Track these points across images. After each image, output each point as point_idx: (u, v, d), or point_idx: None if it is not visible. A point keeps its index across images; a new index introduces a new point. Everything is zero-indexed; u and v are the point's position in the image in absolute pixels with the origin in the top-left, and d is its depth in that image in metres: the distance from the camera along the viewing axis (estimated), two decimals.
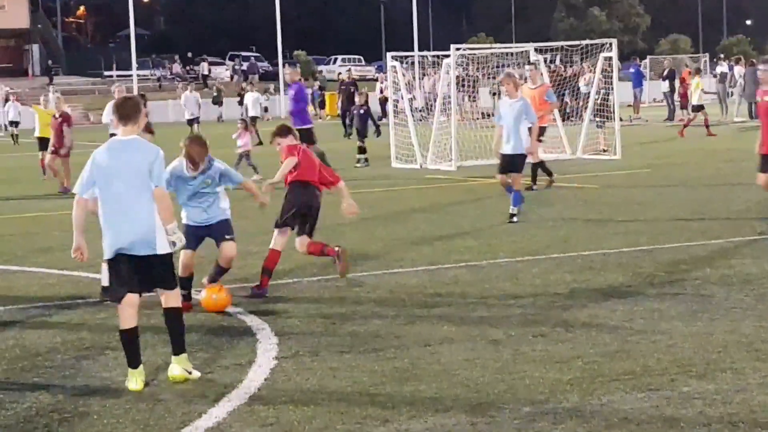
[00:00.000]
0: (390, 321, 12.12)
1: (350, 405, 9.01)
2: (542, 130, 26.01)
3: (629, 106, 55.32)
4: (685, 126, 42.20)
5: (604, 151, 34.14)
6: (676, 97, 54.27)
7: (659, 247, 16.30)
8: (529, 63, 33.04)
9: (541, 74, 31.92)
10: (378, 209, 22.88)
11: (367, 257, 16.42)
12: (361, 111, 36.44)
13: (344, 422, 8.53)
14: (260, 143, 39.45)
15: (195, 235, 13.14)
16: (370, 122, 37.15)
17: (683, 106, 52.50)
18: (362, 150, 34.54)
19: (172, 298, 10.10)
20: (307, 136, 26.90)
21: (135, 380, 9.68)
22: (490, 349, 10.72)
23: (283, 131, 14.39)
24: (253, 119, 45.40)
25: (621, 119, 38.05)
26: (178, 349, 10.02)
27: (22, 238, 20.26)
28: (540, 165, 25.16)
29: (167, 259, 9.98)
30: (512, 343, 10.90)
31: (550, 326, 11.53)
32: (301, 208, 13.99)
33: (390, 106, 37.86)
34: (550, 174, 25.24)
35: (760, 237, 16.70)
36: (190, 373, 9.87)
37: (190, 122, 46.95)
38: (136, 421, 8.85)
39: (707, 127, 41.29)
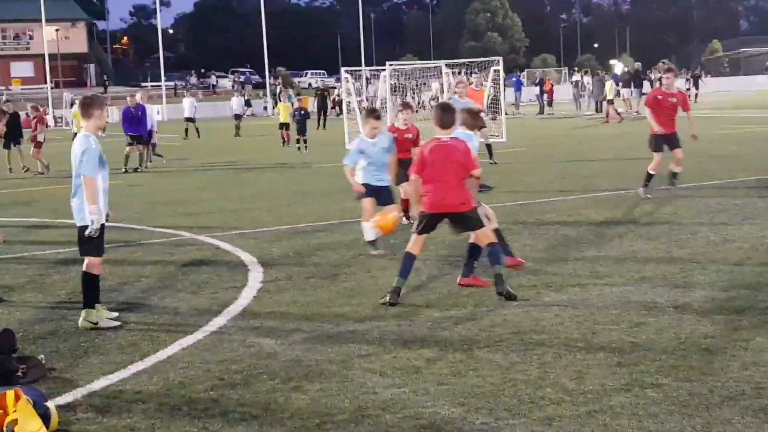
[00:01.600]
0: (343, 255, 12.09)
1: (313, 314, 8.98)
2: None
3: (512, 104, 55.53)
4: (607, 115, 41.94)
5: (495, 135, 34.18)
6: (545, 97, 55.91)
7: (531, 202, 16.36)
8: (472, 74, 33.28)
9: (483, 81, 32.21)
10: (334, 182, 22.81)
11: (327, 212, 16.39)
12: (302, 112, 34.91)
13: (309, 326, 8.51)
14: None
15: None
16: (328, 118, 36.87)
17: (549, 104, 55.52)
18: (300, 140, 33.62)
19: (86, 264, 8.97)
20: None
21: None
22: (412, 273, 10.66)
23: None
24: (188, 119, 42.34)
25: (506, 113, 38.13)
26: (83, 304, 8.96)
27: None
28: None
29: (82, 231, 8.87)
30: (428, 268, 10.92)
31: (455, 257, 11.51)
32: None
33: (345, 106, 37.72)
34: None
35: (602, 193, 16.78)
36: (95, 323, 8.76)
37: (188, 120, 42.56)
38: (161, 325, 8.82)
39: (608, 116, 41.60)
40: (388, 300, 9.23)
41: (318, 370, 7.13)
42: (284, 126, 37.24)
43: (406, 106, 14.77)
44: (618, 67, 72.35)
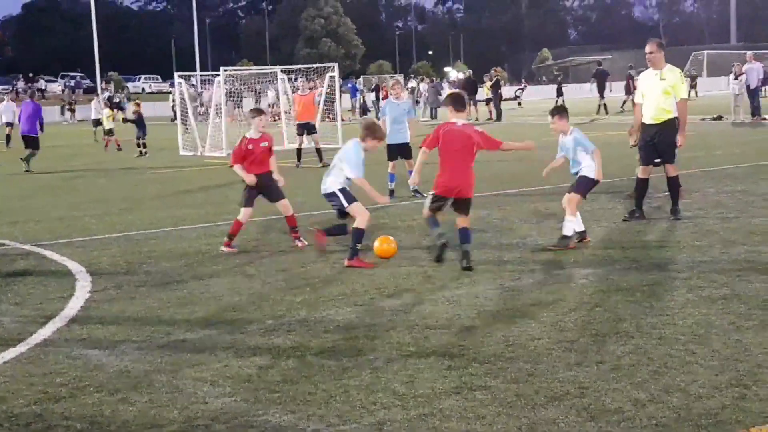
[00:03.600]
0: (174, 263, 11.91)
1: (143, 323, 8.81)
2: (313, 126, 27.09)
3: (348, 110, 55.99)
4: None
5: (331, 139, 34.33)
6: (381, 103, 56.49)
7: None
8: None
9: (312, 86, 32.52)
10: (169, 185, 22.53)
11: (159, 219, 16.12)
12: (136, 116, 34.79)
13: (138, 336, 8.34)
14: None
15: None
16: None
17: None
18: (141, 145, 33.63)
19: None
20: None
21: None
22: (245, 280, 10.65)
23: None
24: (8, 124, 38.51)
25: (343, 119, 38.33)
26: None
27: None
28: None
29: None
30: (261, 276, 10.85)
31: (289, 263, 11.53)
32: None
33: (178, 111, 37.19)
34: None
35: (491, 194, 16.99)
36: None
37: (8, 124, 38.40)
38: None
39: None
40: (438, 255, 11.07)
41: (147, 381, 6.99)
42: (109, 132, 36.90)
43: (258, 112, 13.43)
44: (452, 74, 73.75)
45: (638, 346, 7.38)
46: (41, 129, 29.25)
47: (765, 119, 37.15)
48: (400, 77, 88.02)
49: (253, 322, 8.67)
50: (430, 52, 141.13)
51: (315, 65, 40.31)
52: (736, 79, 38.39)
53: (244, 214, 12.70)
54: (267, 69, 41.94)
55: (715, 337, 7.55)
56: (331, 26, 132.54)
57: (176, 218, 16.03)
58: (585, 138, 12.21)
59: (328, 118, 36.56)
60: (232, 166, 12.94)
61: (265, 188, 12.86)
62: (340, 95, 45.22)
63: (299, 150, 26.33)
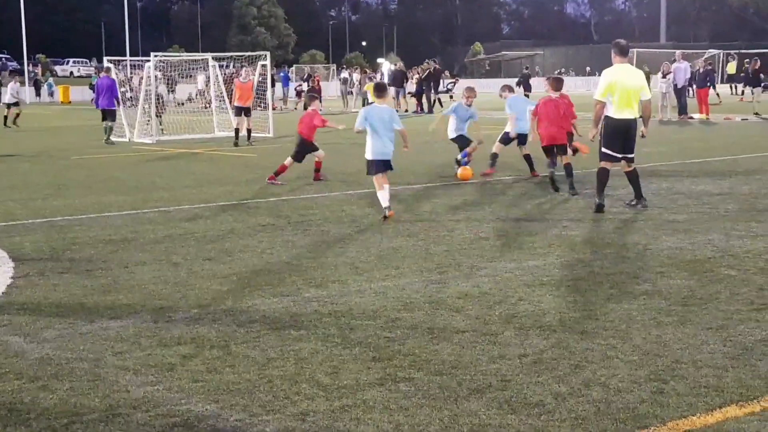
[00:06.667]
0: (100, 249, 11.78)
1: (66, 310, 8.70)
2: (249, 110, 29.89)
3: (280, 99, 55.80)
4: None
5: (262, 129, 34.18)
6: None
7: (295, 198, 16.46)
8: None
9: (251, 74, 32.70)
10: (98, 171, 22.27)
11: (85, 206, 15.93)
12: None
13: (60, 323, 8.24)
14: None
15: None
16: None
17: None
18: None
19: None
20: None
21: None
22: (172, 268, 10.57)
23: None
24: None
25: (274, 108, 38.24)
26: None
27: None
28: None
29: None
30: (187, 264, 10.78)
31: (216, 252, 11.47)
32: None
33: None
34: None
35: (364, 190, 17.07)
36: None
37: None
38: None
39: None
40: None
41: (68, 369, 6.92)
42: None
43: (314, 97, 20.54)
44: (385, 65, 73.78)
45: (560, 340, 7.48)
46: (118, 103, 32.31)
47: (692, 118, 37.81)
48: (332, 67, 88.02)
49: (178, 311, 8.61)
50: (364, 43, 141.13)
51: (247, 53, 40.05)
52: (663, 77, 38.97)
53: (290, 162, 18.53)
54: (198, 56, 41.67)
55: (635, 332, 7.68)
56: (263, 16, 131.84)
57: (102, 205, 15.86)
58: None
59: (260, 106, 36.35)
60: (323, 126, 18.74)
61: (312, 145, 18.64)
62: (273, 84, 44.98)
63: (237, 130, 29.63)
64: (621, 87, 13.99)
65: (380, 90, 14.61)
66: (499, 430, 5.64)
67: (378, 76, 60.34)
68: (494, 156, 19.52)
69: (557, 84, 16.96)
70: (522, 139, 19.25)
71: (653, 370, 6.69)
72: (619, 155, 14.40)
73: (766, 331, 7.66)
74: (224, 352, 7.30)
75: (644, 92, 14.28)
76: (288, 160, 18.66)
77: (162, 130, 34.31)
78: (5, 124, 40.39)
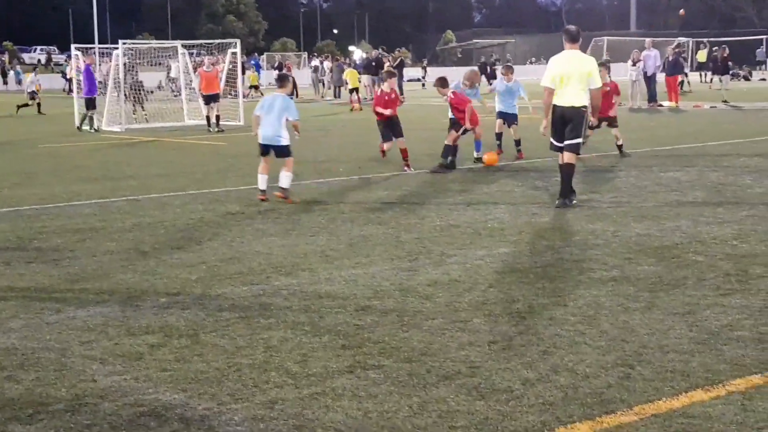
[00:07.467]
0: (67, 239, 11.70)
1: (32, 300, 8.65)
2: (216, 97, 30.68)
3: (250, 87, 55.51)
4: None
5: (232, 118, 34.09)
6: None
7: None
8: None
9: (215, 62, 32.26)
10: (66, 160, 22.14)
11: (52, 195, 15.83)
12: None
13: (26, 313, 8.19)
14: None
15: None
16: None
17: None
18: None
19: None
20: None
21: None
22: (140, 257, 10.53)
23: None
24: None
25: (245, 96, 38.10)
26: None
27: None
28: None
29: None
30: (156, 253, 10.73)
31: (185, 241, 11.44)
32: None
33: (74, 85, 36.41)
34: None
35: (336, 179, 17.05)
36: None
37: None
38: None
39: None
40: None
41: (34, 359, 6.87)
42: None
43: (391, 74, 19.31)
44: (357, 53, 73.67)
45: (529, 326, 7.51)
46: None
47: (661, 105, 37.97)
48: (303, 55, 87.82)
49: (147, 300, 8.58)
50: (335, 31, 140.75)
51: (217, 41, 39.85)
52: (633, 65, 39.11)
53: (386, 146, 18.59)
54: (167, 43, 41.43)
55: (603, 318, 7.72)
56: (233, 3, 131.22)
57: (71, 193, 15.77)
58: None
59: (230, 94, 36.23)
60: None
61: (393, 124, 18.19)
62: (243, 72, 44.76)
63: (208, 117, 30.58)
64: (566, 73, 13.67)
65: (280, 80, 15.75)
66: (468, 417, 5.66)
67: (350, 63, 60.08)
68: (498, 135, 20.57)
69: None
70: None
71: (620, 355, 6.73)
72: (561, 144, 13.63)
73: (732, 316, 7.72)
74: (193, 341, 7.27)
75: (592, 80, 13.64)
76: (386, 145, 18.71)
77: (146, 118, 34.29)
78: None
